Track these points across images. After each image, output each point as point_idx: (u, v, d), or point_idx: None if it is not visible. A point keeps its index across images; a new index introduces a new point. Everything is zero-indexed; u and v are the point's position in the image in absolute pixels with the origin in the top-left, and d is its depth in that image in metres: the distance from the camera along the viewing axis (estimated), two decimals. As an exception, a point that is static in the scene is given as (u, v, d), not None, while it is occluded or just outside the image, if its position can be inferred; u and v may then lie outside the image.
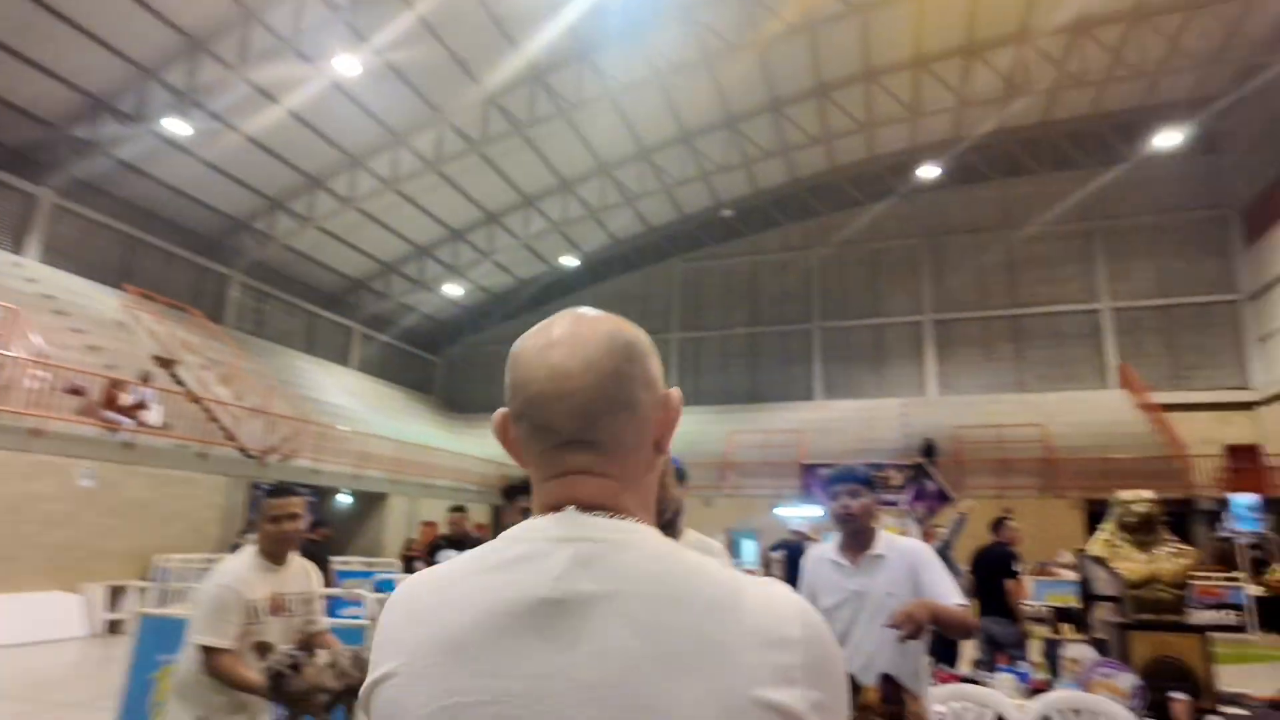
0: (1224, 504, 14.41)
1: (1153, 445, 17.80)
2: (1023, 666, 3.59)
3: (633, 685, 0.60)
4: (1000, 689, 3.39)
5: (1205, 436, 18.35)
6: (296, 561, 2.71)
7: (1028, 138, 22.79)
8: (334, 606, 6.71)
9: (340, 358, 25.12)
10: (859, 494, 2.35)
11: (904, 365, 23.79)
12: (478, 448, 22.12)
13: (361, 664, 2.26)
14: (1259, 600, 11.48)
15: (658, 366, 0.80)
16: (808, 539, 7.80)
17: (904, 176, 23.79)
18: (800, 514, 14.03)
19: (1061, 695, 3.05)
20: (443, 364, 29.50)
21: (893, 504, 17.03)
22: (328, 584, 6.92)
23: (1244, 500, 13.91)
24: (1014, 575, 5.41)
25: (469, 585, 0.68)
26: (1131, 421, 19.48)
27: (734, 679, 0.60)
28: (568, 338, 0.75)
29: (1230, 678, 3.54)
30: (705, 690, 0.59)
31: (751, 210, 26.00)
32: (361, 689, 0.70)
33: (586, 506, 0.70)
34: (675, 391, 0.81)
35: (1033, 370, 22.34)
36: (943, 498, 12.65)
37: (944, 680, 3.75)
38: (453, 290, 25.98)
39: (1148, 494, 3.26)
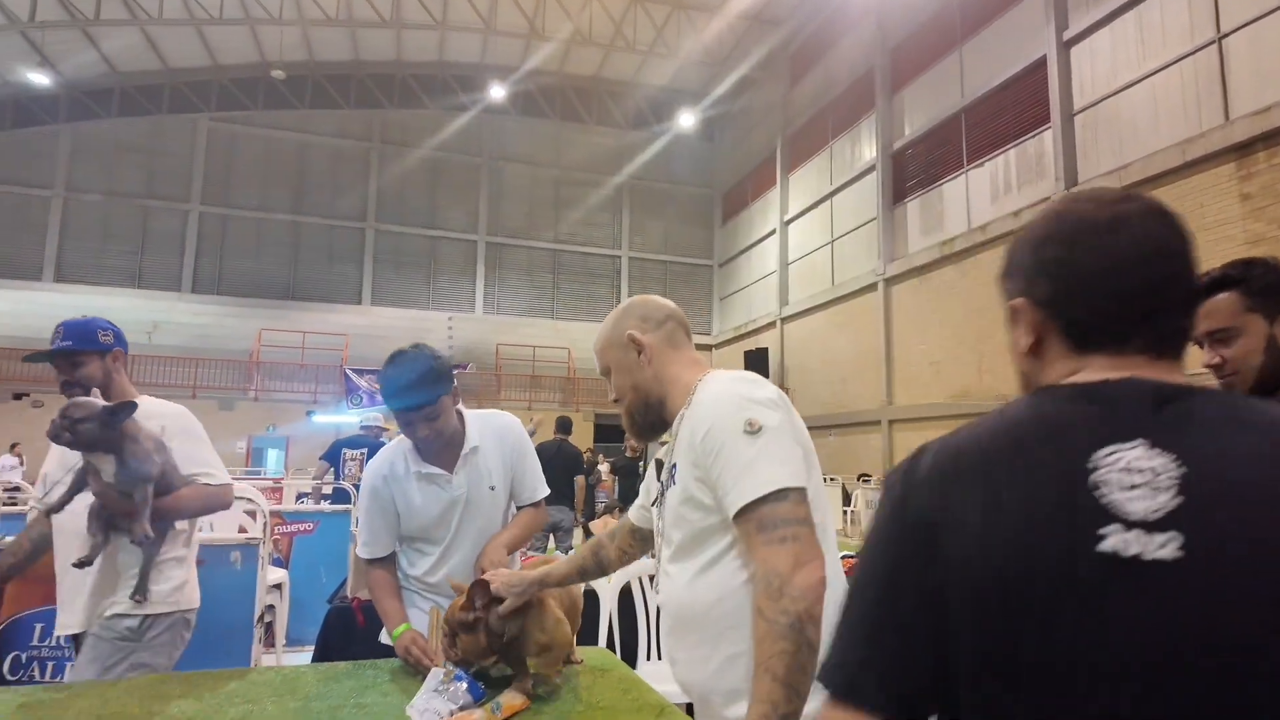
0: (686, 419, 18.61)
1: (644, 372, 21.92)
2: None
3: None
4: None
5: (677, 367, 23.53)
6: None
7: (581, 87, 24.96)
8: None
9: None
10: (435, 415, 1.96)
11: (455, 280, 24.22)
12: None
13: None
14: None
15: None
16: (385, 431, 7.28)
17: (472, 93, 23.82)
18: (355, 418, 13.22)
19: (636, 566, 3.61)
20: None
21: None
22: None
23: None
24: (584, 473, 6.21)
25: None
26: (631, 351, 23.56)
27: None
28: None
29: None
30: None
31: (306, 81, 22.95)
32: None
33: None
34: None
35: (564, 300, 25.09)
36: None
37: (528, 563, 4.09)
38: None
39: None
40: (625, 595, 3.42)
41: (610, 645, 3.20)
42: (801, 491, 1.12)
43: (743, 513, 1.11)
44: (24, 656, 2.55)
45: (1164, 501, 0.61)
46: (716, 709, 1.13)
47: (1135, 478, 0.62)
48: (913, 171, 16.54)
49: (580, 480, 6.33)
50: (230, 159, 22.50)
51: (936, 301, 15.20)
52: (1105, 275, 0.73)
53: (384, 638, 2.11)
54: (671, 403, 1.37)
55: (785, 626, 1.01)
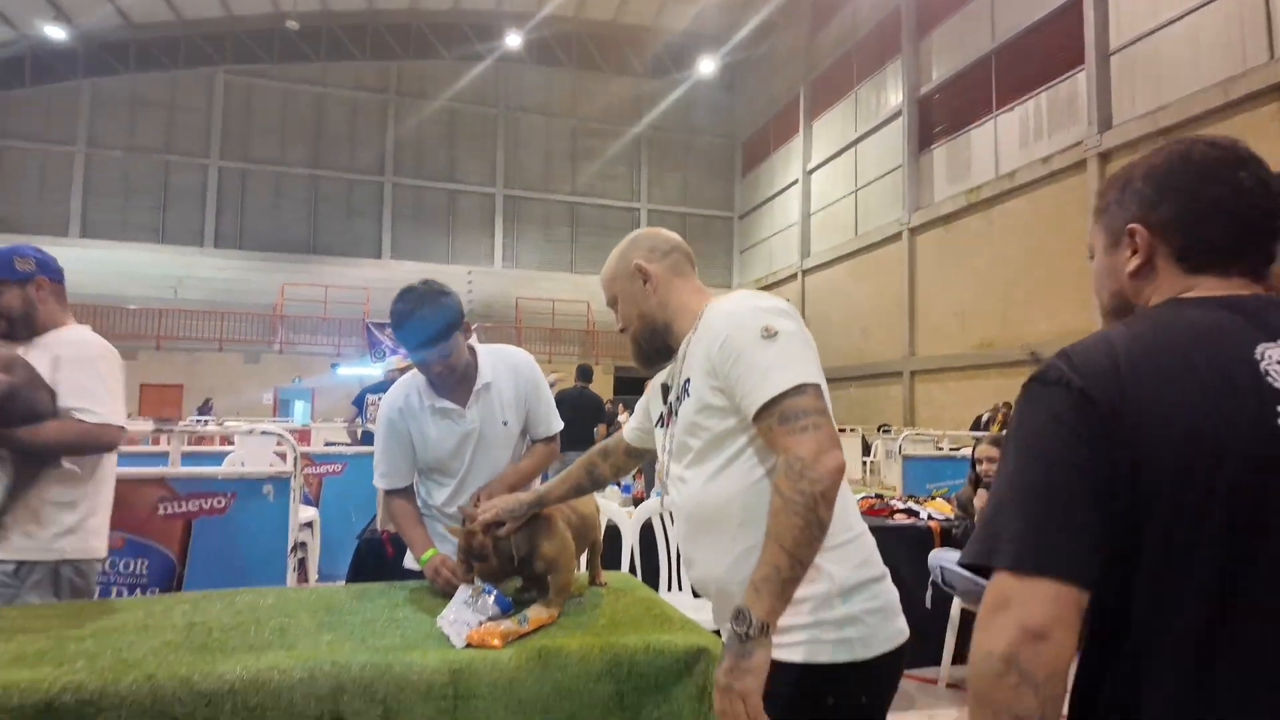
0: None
1: (663, 325, 21.92)
2: (626, 481, 4.24)
3: None
4: (609, 500, 3.92)
5: (697, 321, 23.62)
6: None
7: (598, 34, 24.38)
8: None
9: None
10: (448, 350, 1.99)
11: (474, 234, 24.19)
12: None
13: None
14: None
15: None
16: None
17: (488, 41, 23.38)
18: (379, 370, 13.39)
19: (656, 503, 3.67)
20: None
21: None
22: None
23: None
24: (605, 421, 6.32)
25: None
26: (651, 305, 23.55)
27: None
28: None
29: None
30: None
31: (321, 32, 22.65)
32: None
33: None
34: None
35: (582, 254, 24.98)
36: None
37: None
38: None
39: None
40: (646, 531, 3.48)
41: (632, 579, 3.27)
42: (818, 387, 1.18)
43: (764, 409, 1.16)
44: (71, 582, 2.66)
45: None
46: (735, 600, 1.16)
47: None
48: (940, 117, 16.08)
49: (601, 429, 6.42)
50: (248, 113, 22.42)
51: (962, 251, 14.93)
52: (1231, 206, 0.86)
53: (410, 562, 2.17)
54: (677, 329, 1.41)
55: (800, 504, 1.07)
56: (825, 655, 1.15)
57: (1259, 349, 0.79)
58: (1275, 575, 0.75)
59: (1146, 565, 0.76)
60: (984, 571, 0.78)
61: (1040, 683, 0.71)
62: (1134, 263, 0.91)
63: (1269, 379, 0.77)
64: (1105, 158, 11.61)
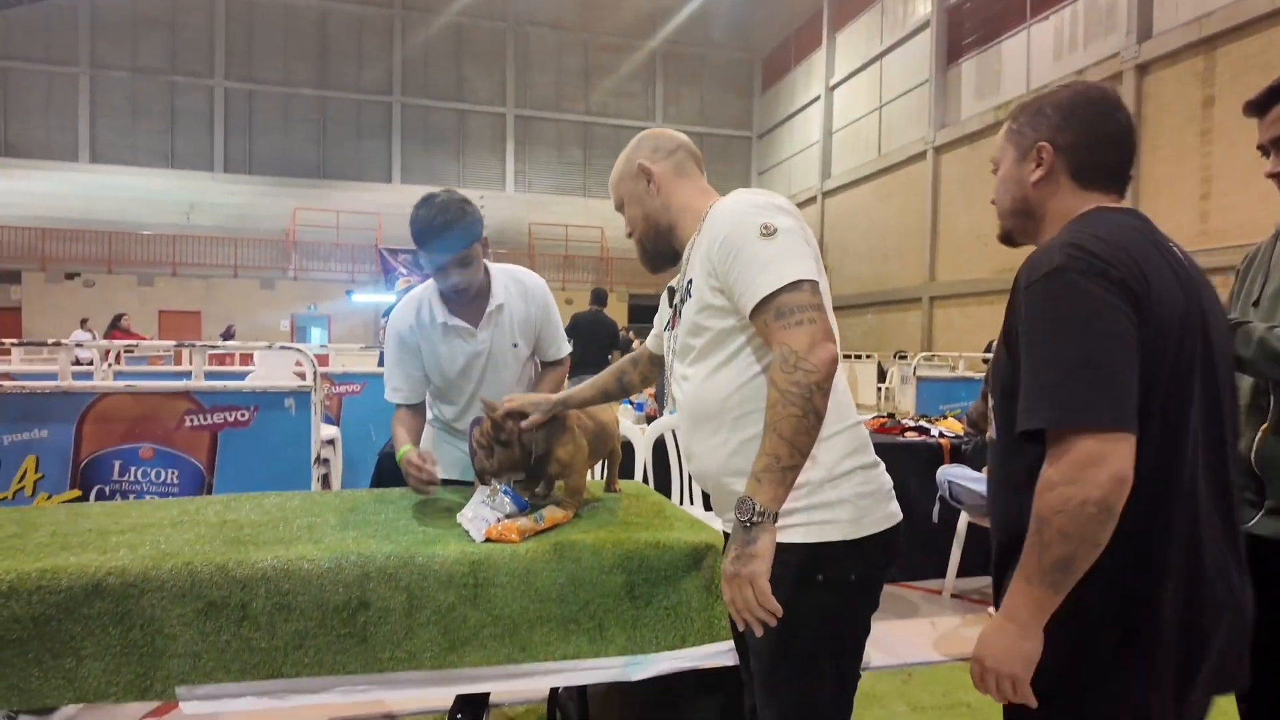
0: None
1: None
2: (639, 399, 4.30)
3: None
4: (622, 417, 3.99)
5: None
6: None
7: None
8: None
9: None
10: (468, 261, 1.96)
11: (485, 157, 23.74)
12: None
13: None
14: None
15: None
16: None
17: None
18: (394, 299, 13.44)
19: (668, 420, 3.72)
20: None
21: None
22: None
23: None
24: (619, 347, 6.38)
25: None
26: (666, 229, 23.23)
27: None
28: None
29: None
30: None
31: (323, -57, 21.73)
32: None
33: None
34: None
35: (596, 178, 24.49)
36: None
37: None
38: None
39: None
40: (659, 448, 3.55)
41: (646, 492, 3.35)
42: (814, 284, 1.18)
43: (761, 305, 1.17)
44: (107, 489, 2.78)
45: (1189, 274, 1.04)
46: (732, 489, 1.20)
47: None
48: (970, 28, 15.34)
49: (616, 356, 6.47)
50: (250, 31, 21.77)
51: (987, 171, 14.40)
52: (1118, 138, 1.09)
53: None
54: (681, 230, 1.40)
55: (796, 395, 1.10)
56: (815, 535, 1.19)
57: (1172, 248, 1.04)
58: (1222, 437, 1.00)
59: (1156, 428, 0.95)
60: (1036, 435, 0.95)
61: (1116, 515, 0.91)
62: (1038, 174, 1.10)
63: (1190, 273, 1.03)
64: (1143, 70, 11.09)
